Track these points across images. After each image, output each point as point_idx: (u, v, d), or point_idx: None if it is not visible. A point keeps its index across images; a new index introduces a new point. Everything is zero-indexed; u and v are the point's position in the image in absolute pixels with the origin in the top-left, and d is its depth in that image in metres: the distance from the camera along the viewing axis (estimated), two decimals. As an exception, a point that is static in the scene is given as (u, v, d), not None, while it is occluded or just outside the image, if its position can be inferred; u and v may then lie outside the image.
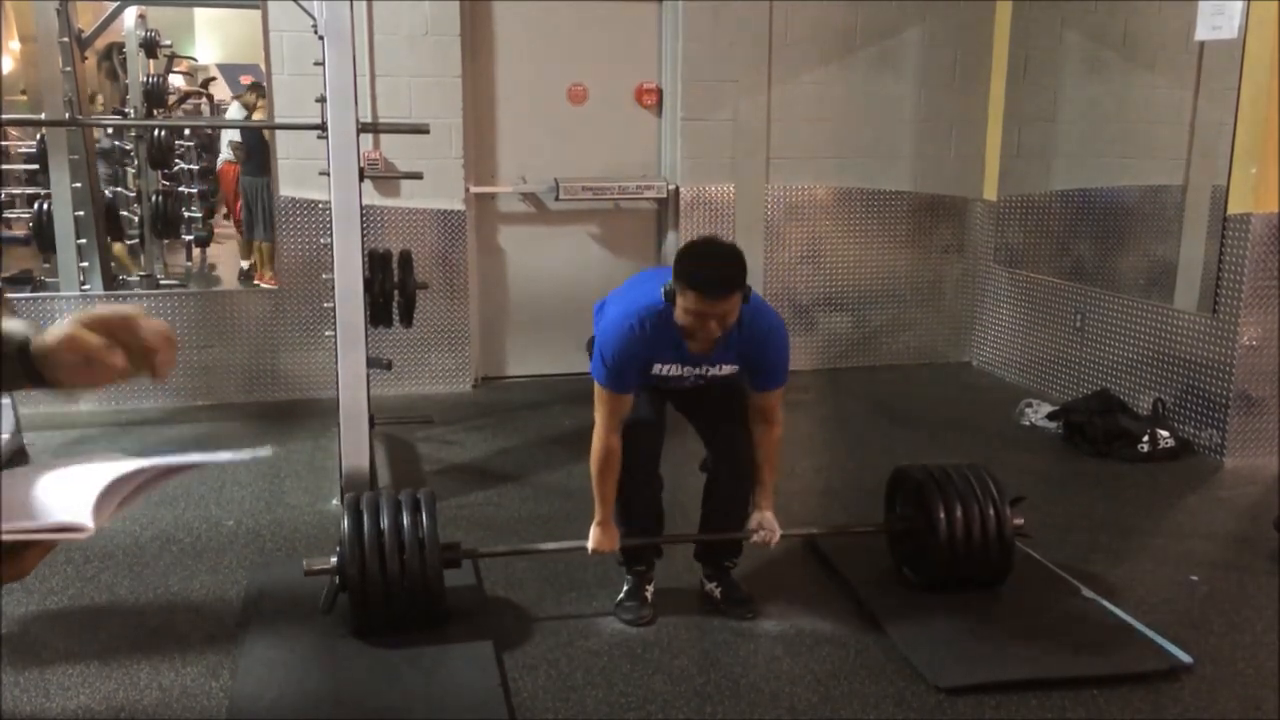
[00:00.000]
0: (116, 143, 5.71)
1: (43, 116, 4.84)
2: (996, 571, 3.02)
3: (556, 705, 2.53)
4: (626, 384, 2.75)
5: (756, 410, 2.87)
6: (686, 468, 3.04)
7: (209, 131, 6.35)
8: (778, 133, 5.51)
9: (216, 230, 6.53)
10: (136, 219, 5.70)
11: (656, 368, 2.77)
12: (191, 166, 6.05)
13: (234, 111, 6.06)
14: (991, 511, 2.96)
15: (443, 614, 2.81)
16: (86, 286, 5.03)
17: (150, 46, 5.59)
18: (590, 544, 2.89)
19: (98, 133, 5.51)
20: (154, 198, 5.70)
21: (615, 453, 2.79)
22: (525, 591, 3.13)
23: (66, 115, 4.40)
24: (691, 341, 2.67)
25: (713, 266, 2.57)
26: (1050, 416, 4.76)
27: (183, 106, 6.15)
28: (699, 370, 2.79)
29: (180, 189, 5.97)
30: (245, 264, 6.13)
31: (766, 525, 2.91)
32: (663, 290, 2.63)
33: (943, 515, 2.94)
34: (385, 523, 2.74)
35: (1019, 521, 3.00)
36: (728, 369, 2.80)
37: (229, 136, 6.16)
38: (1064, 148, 5.36)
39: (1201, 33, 4.24)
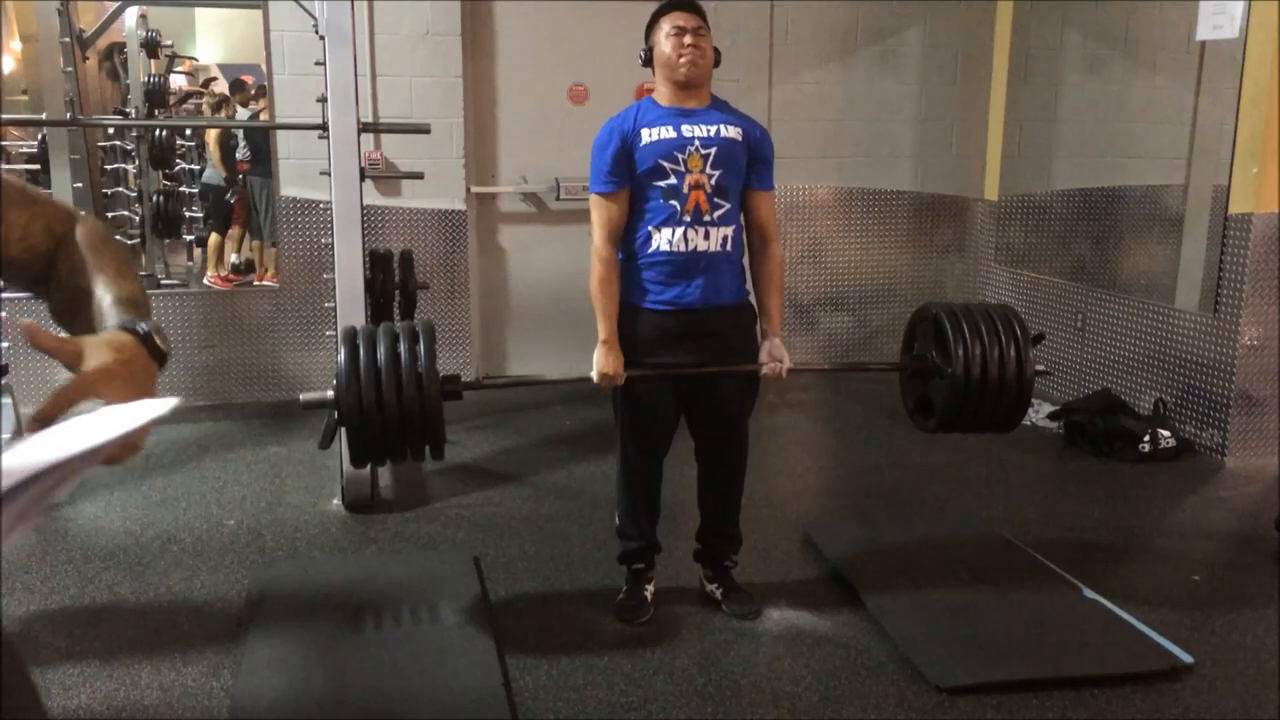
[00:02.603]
0: (117, 143, 5.71)
1: (44, 116, 4.84)
2: (1010, 412, 2.89)
3: (558, 705, 2.53)
4: (617, 181, 2.74)
5: (755, 226, 2.87)
6: (686, 469, 3.04)
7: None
8: (778, 133, 5.42)
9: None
10: (137, 219, 5.70)
11: (646, 135, 2.72)
12: (193, 166, 6.04)
13: (241, 112, 6.06)
14: (1013, 351, 2.83)
15: (441, 449, 2.70)
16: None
17: (151, 46, 5.59)
18: (595, 369, 2.75)
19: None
20: (155, 198, 5.69)
21: (612, 263, 2.77)
22: (527, 591, 3.14)
23: (67, 115, 4.40)
24: (677, 71, 2.71)
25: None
26: (1051, 416, 4.76)
27: (183, 106, 6.14)
28: (699, 130, 2.74)
29: (181, 189, 5.97)
30: (236, 258, 6.12)
31: (775, 354, 2.82)
32: (640, 55, 2.84)
33: (961, 351, 2.80)
34: (382, 353, 2.58)
35: (1040, 368, 2.89)
36: (732, 130, 2.77)
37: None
38: (1065, 147, 5.36)
39: (1202, 32, 4.24)
